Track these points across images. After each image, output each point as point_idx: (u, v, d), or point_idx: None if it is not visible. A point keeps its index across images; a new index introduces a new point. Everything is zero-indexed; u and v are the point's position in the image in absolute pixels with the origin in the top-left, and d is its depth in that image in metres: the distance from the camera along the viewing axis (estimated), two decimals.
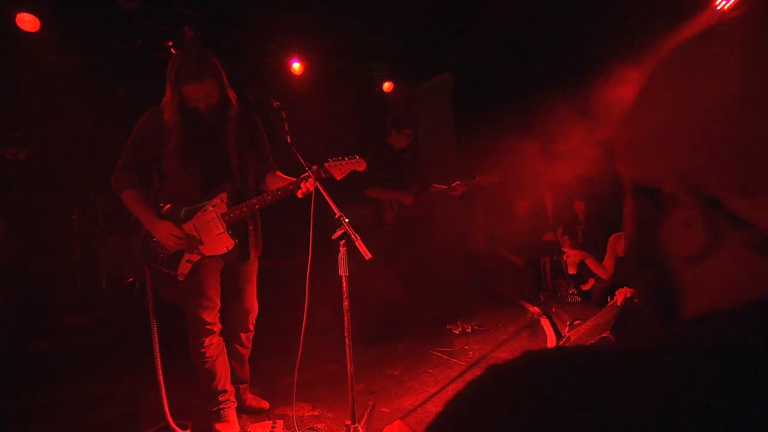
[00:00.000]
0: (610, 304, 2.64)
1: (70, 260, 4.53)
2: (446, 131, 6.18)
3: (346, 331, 1.89)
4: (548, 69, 5.58)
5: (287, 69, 4.99)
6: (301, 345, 2.00)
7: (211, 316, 2.15)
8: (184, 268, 2.09)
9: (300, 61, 4.97)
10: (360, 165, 2.19)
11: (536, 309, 4.14)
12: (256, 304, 2.36)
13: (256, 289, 2.36)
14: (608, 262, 3.63)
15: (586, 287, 4.34)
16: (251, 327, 2.37)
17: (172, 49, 4.35)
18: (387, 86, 5.82)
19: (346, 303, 1.90)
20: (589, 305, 4.01)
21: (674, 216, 0.35)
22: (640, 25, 4.41)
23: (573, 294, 4.17)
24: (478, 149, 5.63)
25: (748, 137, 0.29)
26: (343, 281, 1.89)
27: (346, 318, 1.90)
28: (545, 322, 3.85)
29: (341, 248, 1.85)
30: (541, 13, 4.56)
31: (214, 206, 2.10)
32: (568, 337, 2.43)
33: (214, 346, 2.16)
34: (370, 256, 1.75)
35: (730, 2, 4.06)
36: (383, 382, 2.79)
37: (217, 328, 2.19)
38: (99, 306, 4.29)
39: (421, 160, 6.14)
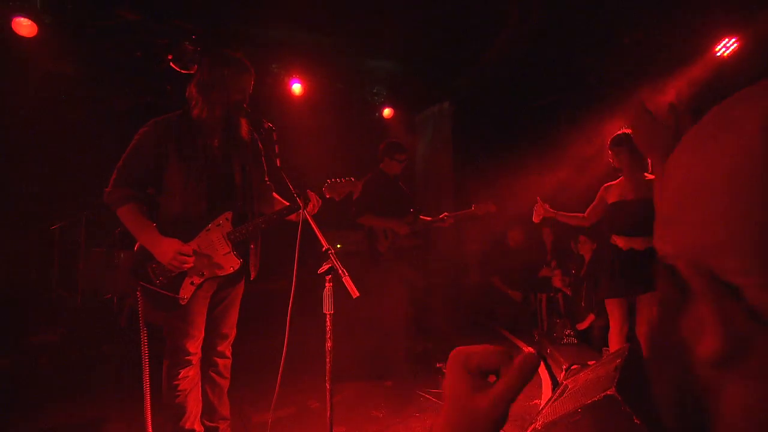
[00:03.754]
0: (609, 353, 2.50)
1: (46, 273, 4.33)
2: (444, 159, 6.14)
3: (327, 374, 1.72)
4: (549, 101, 5.59)
5: (287, 89, 4.94)
6: (278, 381, 1.82)
7: (195, 346, 1.99)
8: (187, 291, 1.93)
9: (301, 82, 4.92)
10: (356, 186, 2.22)
11: (531, 350, 3.97)
12: (235, 329, 2.21)
13: (237, 313, 2.20)
14: (591, 209, 3.02)
15: (582, 326, 4.18)
16: (228, 353, 2.20)
17: (171, 63, 4.30)
18: (387, 112, 5.79)
19: (329, 343, 1.74)
20: (584, 348, 3.85)
21: (696, 306, 0.29)
22: (643, 64, 4.43)
23: (569, 335, 4.02)
24: (476, 178, 5.57)
25: None
26: (327, 319, 1.73)
27: (327, 360, 1.73)
28: (540, 365, 3.68)
29: (327, 284, 1.70)
30: (544, 46, 4.57)
31: (218, 225, 1.98)
32: (566, 386, 2.27)
33: (189, 378, 1.98)
34: (357, 294, 1.61)
35: (729, 50, 4.08)
36: (366, 425, 2.60)
37: (197, 359, 2.02)
38: (72, 323, 4.06)
39: (418, 188, 6.07)
